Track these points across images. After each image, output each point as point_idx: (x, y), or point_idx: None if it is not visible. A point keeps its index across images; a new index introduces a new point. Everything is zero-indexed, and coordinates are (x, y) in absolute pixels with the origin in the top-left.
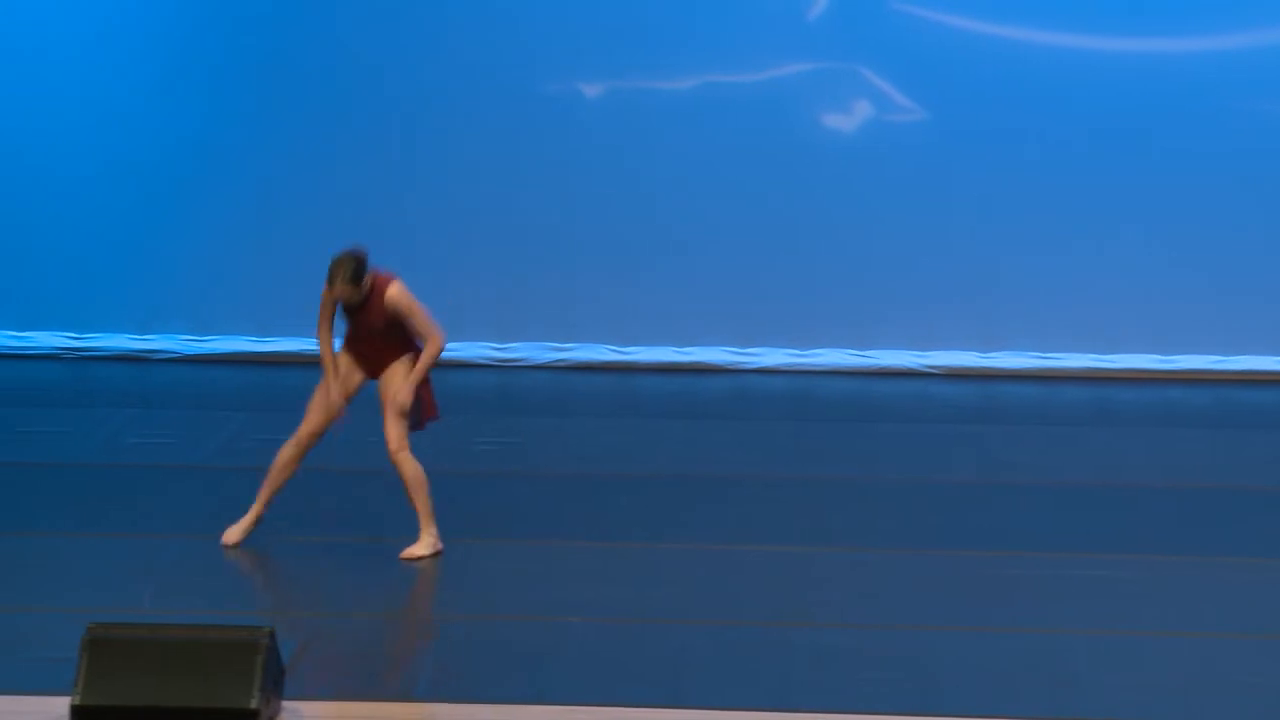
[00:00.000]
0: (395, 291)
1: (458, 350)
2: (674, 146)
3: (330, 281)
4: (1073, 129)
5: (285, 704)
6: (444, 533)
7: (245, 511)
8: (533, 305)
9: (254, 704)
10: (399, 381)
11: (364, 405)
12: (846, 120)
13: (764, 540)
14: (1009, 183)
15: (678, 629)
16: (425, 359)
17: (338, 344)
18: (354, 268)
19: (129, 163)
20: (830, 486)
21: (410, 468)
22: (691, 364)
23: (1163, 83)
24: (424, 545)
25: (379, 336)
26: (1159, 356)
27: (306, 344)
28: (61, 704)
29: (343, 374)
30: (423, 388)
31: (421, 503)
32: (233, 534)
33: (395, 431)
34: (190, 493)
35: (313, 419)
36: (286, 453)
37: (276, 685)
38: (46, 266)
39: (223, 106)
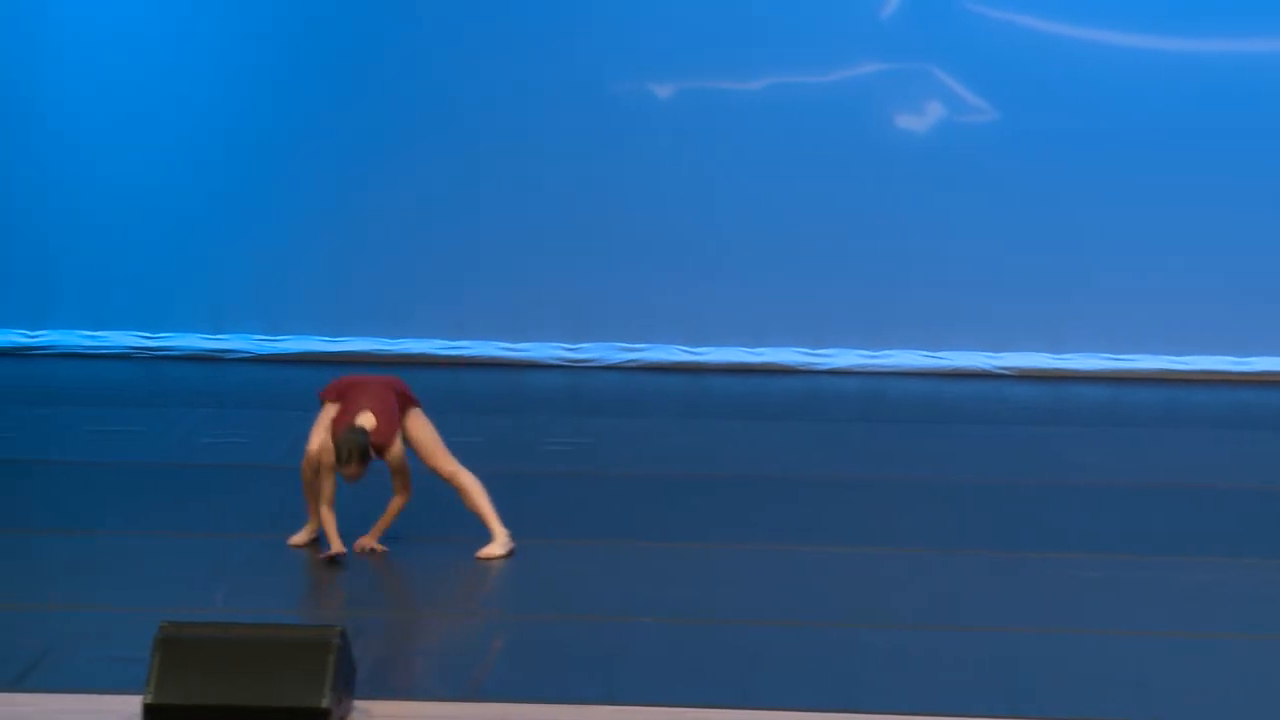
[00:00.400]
0: (398, 450)
1: (529, 350)
2: (745, 147)
3: (345, 461)
4: (1145, 129)
5: (356, 703)
6: (516, 533)
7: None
8: (604, 306)
9: (325, 703)
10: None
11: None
12: (918, 120)
13: (835, 541)
14: (1080, 183)
15: (749, 629)
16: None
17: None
18: (363, 448)
19: (201, 163)
20: (901, 488)
21: (467, 478)
22: (763, 365)
23: (1237, 83)
24: (499, 545)
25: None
26: (1233, 358)
27: (378, 344)
28: (134, 702)
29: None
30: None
31: (485, 507)
32: (299, 537)
33: (443, 462)
34: (262, 492)
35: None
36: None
37: (348, 684)
38: (119, 266)
39: (295, 107)
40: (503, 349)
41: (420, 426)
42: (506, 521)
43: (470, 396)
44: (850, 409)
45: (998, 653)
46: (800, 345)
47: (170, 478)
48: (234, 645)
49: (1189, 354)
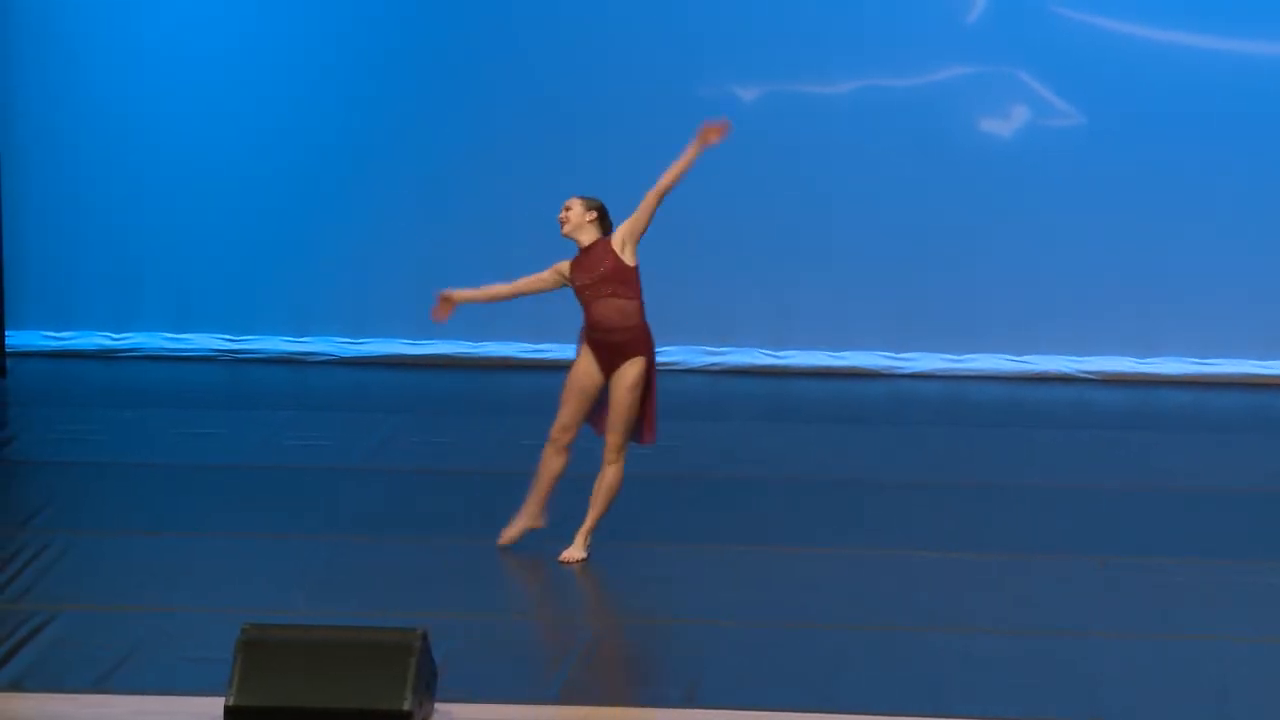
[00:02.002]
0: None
1: None
2: (829, 150)
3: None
4: (1231, 132)
5: (438, 706)
6: (598, 535)
7: (401, 513)
8: (687, 309)
9: (407, 705)
10: (625, 386)
11: (513, 409)
12: (1004, 124)
13: (918, 545)
14: (1165, 187)
15: (831, 634)
16: None
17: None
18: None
19: (284, 166)
20: (985, 492)
21: (614, 475)
22: (846, 369)
23: None
24: (580, 549)
25: (607, 304)
26: None
27: (460, 347)
28: (216, 704)
29: (583, 369)
30: (646, 402)
31: (598, 511)
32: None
33: (616, 438)
34: (345, 494)
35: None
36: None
37: (429, 687)
38: (203, 270)
39: (378, 110)
40: None
41: (627, 378)
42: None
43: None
44: (933, 413)
45: (1082, 657)
46: (883, 349)
47: (253, 480)
48: (315, 647)
49: (1274, 359)
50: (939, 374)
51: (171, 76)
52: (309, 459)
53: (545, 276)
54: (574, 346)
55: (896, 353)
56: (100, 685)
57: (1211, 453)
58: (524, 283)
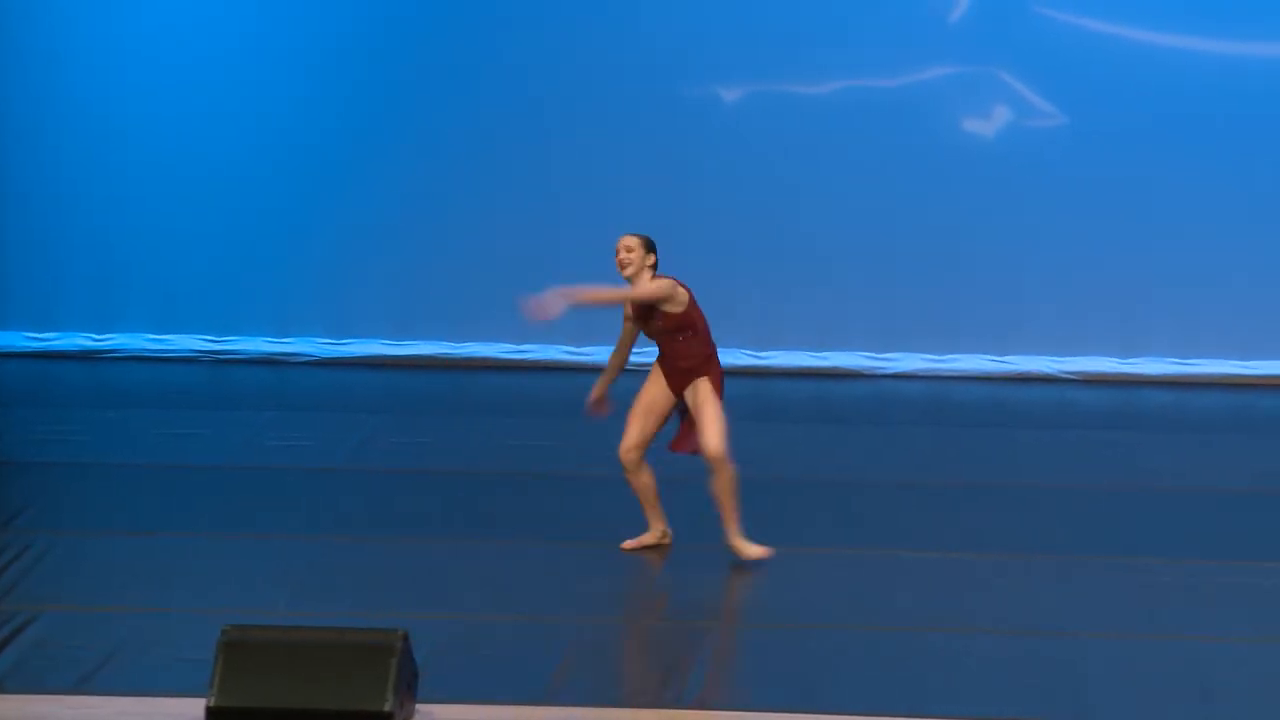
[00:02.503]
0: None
1: (591, 354)
2: (812, 150)
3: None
4: (1213, 133)
5: (419, 706)
6: (579, 536)
7: (382, 513)
8: None
9: (388, 706)
10: (705, 399)
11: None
12: (986, 124)
13: (903, 545)
14: (1148, 187)
15: (815, 633)
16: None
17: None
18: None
19: (266, 168)
20: (969, 492)
21: (726, 477)
22: (827, 369)
23: None
24: (755, 546)
25: (674, 343)
26: None
27: (441, 347)
28: (197, 705)
29: (656, 390)
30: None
31: (731, 511)
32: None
33: (715, 448)
34: (326, 495)
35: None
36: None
37: (410, 688)
38: (185, 271)
39: (361, 112)
40: (566, 352)
41: (706, 388)
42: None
43: (534, 400)
44: (915, 413)
45: (1071, 656)
46: (865, 349)
47: (235, 480)
48: (296, 648)
49: (1256, 359)
50: (921, 374)
51: (154, 77)
52: (291, 459)
53: (628, 333)
54: (554, 348)
55: (879, 353)
56: (82, 686)
57: (1194, 453)
58: (623, 347)
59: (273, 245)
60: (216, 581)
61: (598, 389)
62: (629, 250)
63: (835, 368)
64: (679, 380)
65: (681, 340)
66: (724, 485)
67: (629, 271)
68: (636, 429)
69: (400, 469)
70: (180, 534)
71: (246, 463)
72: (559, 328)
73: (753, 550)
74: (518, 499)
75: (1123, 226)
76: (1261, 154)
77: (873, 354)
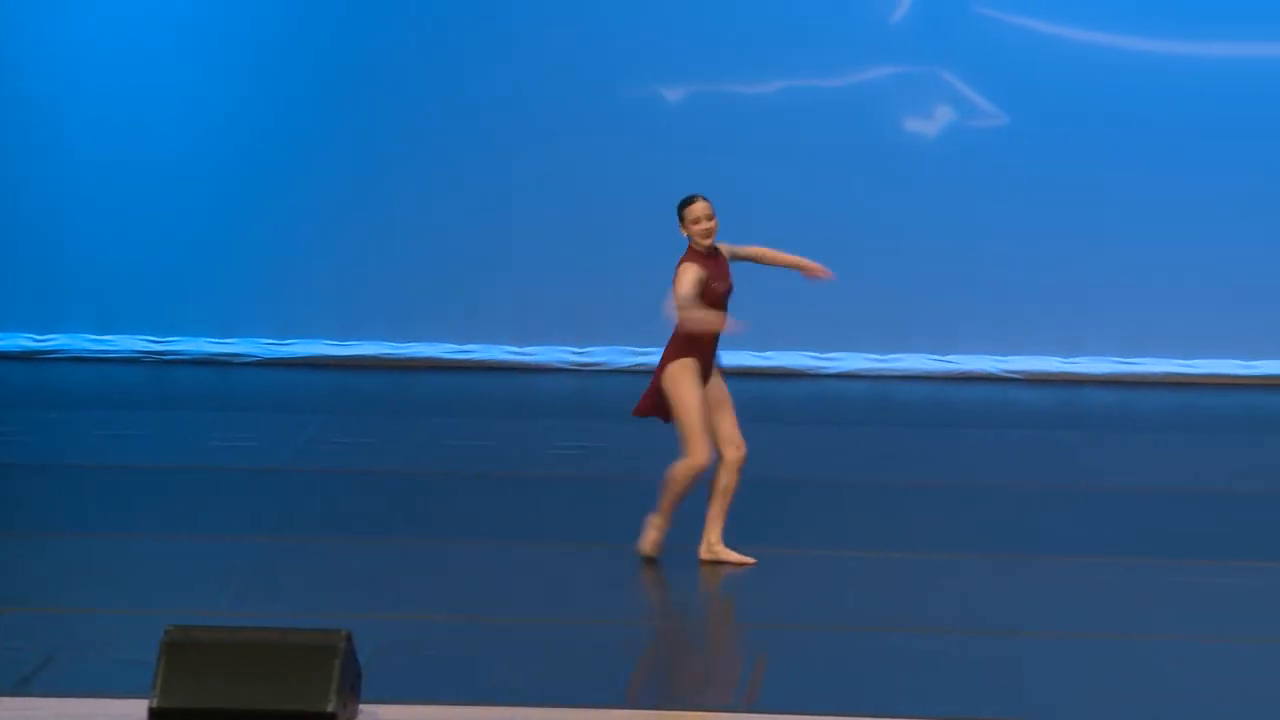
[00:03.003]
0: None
1: (537, 354)
2: (755, 150)
3: (693, 199)
4: (1154, 133)
5: (362, 707)
6: (525, 537)
7: (326, 513)
8: (613, 310)
9: (331, 707)
10: (724, 386)
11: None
12: (928, 124)
13: (845, 545)
14: (1089, 187)
15: (756, 634)
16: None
17: None
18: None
19: (209, 168)
20: (912, 492)
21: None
22: (771, 368)
23: (1244, 87)
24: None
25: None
26: (1243, 362)
27: (385, 348)
28: (139, 706)
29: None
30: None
31: (726, 508)
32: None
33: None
34: (270, 495)
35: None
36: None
37: (354, 688)
38: (127, 271)
39: (303, 112)
40: (509, 352)
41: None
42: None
43: (477, 400)
44: (859, 413)
45: (1013, 656)
46: (808, 349)
47: (178, 481)
48: (240, 649)
49: (1198, 357)
50: (865, 374)
51: (94, 79)
52: (234, 460)
53: (698, 284)
54: (497, 348)
55: (822, 353)
56: (22, 688)
57: (1136, 452)
58: (691, 305)
59: (215, 246)
60: (159, 582)
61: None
62: (711, 218)
63: (779, 367)
64: (706, 366)
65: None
66: (734, 483)
67: (713, 238)
68: (707, 435)
69: (344, 469)
70: (123, 535)
71: (189, 463)
72: (562, 330)
73: (734, 556)
74: (461, 499)
75: (1065, 226)
76: (1202, 153)
77: (816, 353)
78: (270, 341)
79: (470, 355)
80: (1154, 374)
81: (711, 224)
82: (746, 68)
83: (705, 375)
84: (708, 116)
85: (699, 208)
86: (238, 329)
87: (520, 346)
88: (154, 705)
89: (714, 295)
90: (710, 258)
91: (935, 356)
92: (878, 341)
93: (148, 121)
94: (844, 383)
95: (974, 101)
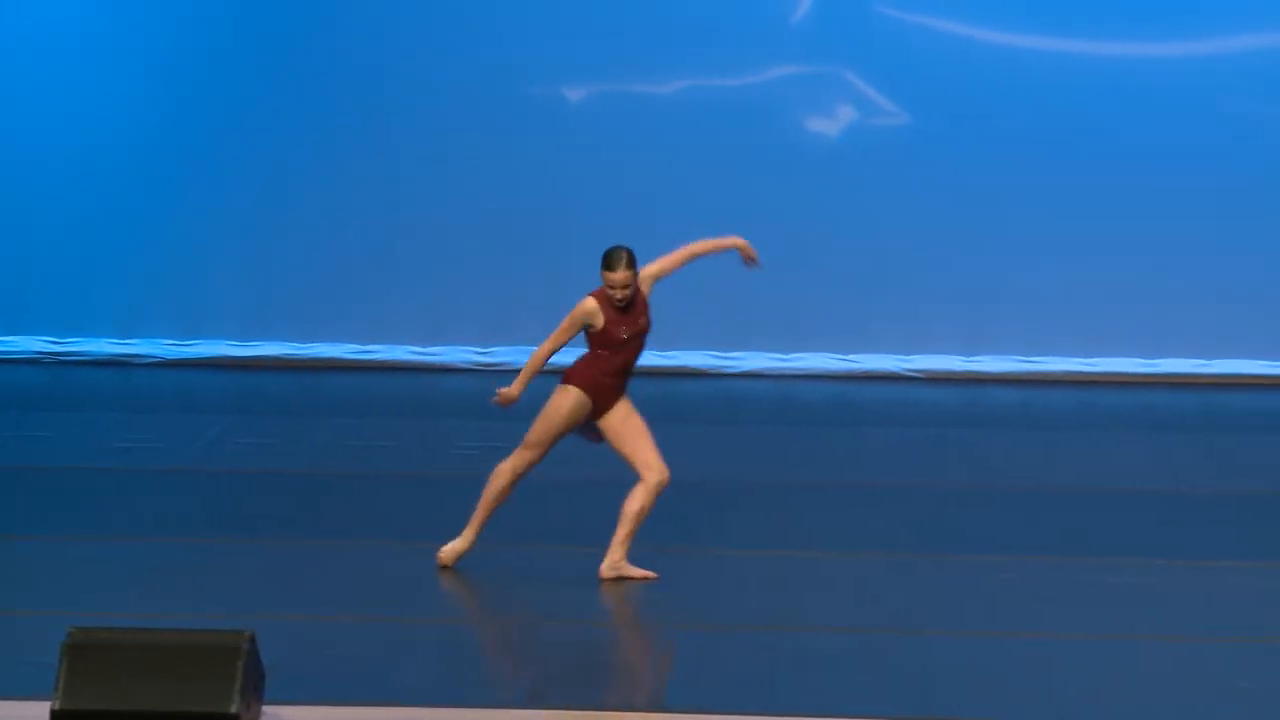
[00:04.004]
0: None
1: (441, 354)
2: (656, 150)
3: (613, 267)
4: (1055, 133)
5: (266, 708)
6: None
7: (230, 514)
8: (517, 308)
9: (234, 708)
10: (631, 410)
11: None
12: (830, 124)
13: (749, 545)
14: (991, 187)
15: (662, 633)
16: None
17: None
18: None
19: (110, 167)
20: (816, 491)
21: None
22: (672, 368)
23: (1148, 86)
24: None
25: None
26: (1143, 360)
27: (287, 348)
28: (42, 709)
29: (573, 414)
30: None
31: (635, 527)
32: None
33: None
34: (174, 496)
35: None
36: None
37: (257, 689)
38: (26, 271)
39: (208, 111)
40: (412, 353)
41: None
42: (410, 521)
43: (379, 401)
44: (761, 412)
45: (914, 655)
46: (710, 348)
47: (81, 482)
48: (143, 650)
49: (1099, 355)
50: (767, 373)
51: None
52: (137, 461)
53: (575, 324)
54: (399, 349)
55: (724, 352)
56: None
57: (1039, 450)
58: (558, 339)
59: (116, 245)
60: (62, 584)
61: (520, 384)
62: (626, 288)
63: (681, 366)
64: (609, 399)
65: (638, 349)
66: (650, 504)
67: (626, 298)
68: (540, 451)
69: (247, 470)
70: (24, 537)
71: (92, 464)
72: (470, 328)
73: (637, 571)
74: (364, 499)
75: (966, 225)
76: (1103, 152)
77: (718, 353)
78: (172, 342)
79: (374, 356)
80: (1055, 372)
81: (626, 292)
82: (648, 67)
83: (611, 401)
84: (610, 116)
85: (617, 277)
86: (139, 330)
87: (424, 347)
88: (56, 708)
89: (611, 339)
90: (626, 307)
91: (838, 356)
92: (780, 341)
93: (47, 120)
94: (746, 382)
95: (875, 101)
